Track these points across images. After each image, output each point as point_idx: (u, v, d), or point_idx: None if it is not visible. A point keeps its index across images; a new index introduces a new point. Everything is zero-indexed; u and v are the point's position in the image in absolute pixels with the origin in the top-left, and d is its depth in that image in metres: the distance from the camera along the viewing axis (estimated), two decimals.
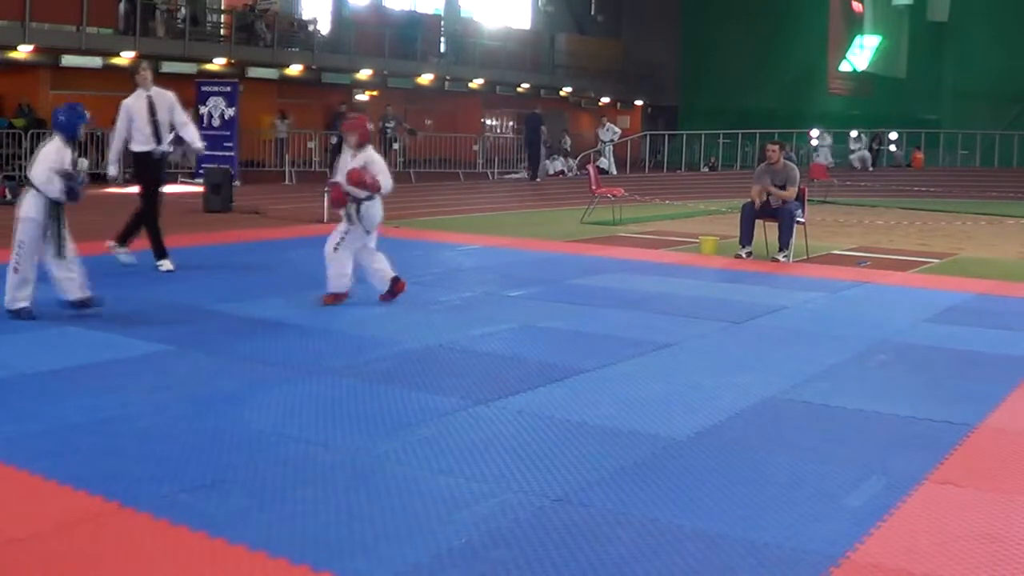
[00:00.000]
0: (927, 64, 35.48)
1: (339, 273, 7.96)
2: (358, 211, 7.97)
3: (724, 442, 4.81)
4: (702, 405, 5.41)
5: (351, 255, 8.01)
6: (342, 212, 8.05)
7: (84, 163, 8.82)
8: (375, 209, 8.04)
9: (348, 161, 8.02)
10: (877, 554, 3.57)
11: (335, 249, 7.94)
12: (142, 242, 9.43)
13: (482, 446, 4.64)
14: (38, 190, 7.00)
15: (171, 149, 9.55)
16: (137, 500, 3.80)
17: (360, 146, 8.04)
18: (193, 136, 9.55)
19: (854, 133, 30.93)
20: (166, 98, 9.34)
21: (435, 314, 7.86)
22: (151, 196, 9.37)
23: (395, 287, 8.14)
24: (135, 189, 9.61)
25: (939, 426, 5.18)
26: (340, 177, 7.96)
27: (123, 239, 9.43)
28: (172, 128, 9.34)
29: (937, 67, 35.23)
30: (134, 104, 9.22)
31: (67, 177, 7.03)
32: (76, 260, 7.11)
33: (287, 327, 7.13)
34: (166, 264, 9.28)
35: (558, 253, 12.05)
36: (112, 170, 9.65)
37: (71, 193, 7.07)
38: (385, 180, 7.93)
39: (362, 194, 7.92)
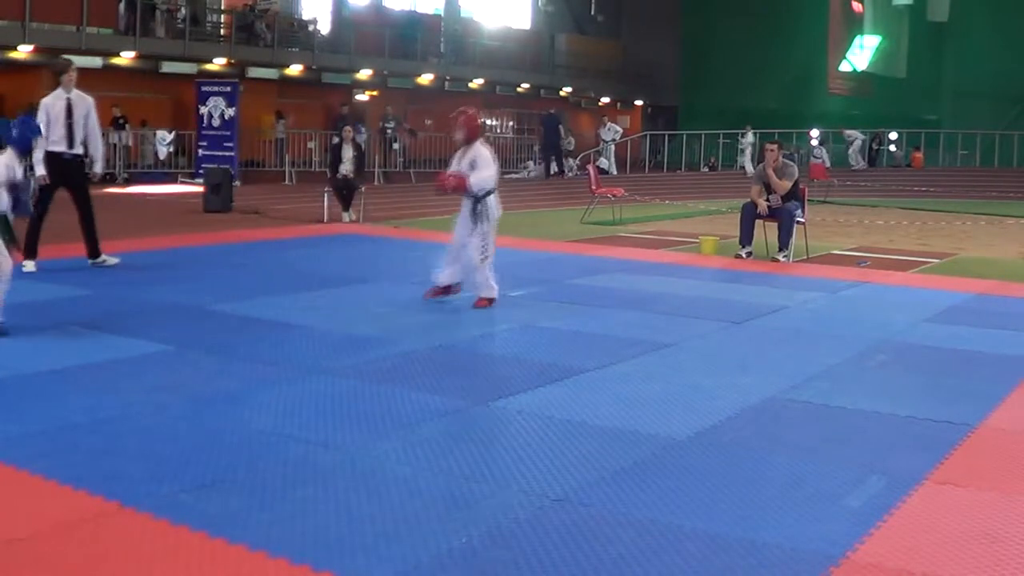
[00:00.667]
0: (927, 64, 35.46)
1: (487, 278, 8.04)
2: (478, 207, 8.01)
3: (724, 442, 4.81)
4: (702, 405, 5.41)
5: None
6: (469, 213, 8.06)
7: (39, 171, 8.80)
8: (494, 202, 8.08)
9: (456, 158, 8.10)
10: (877, 554, 3.57)
11: (483, 260, 7.96)
12: (129, 243, 9.36)
13: (482, 446, 4.64)
14: None
15: (81, 151, 9.35)
16: (137, 500, 3.80)
17: (468, 142, 8.05)
18: (96, 148, 9.39)
19: (857, 135, 30.93)
20: (85, 102, 9.30)
21: (435, 314, 7.86)
22: (78, 198, 9.29)
23: (453, 289, 8.24)
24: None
25: (939, 426, 5.18)
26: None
27: (92, 251, 9.34)
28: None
29: (937, 67, 35.21)
30: (52, 104, 9.16)
31: (14, 188, 6.97)
32: (7, 278, 6.65)
33: (287, 327, 7.13)
34: (29, 265, 8.87)
35: (558, 253, 12.05)
36: (39, 170, 9.18)
37: (18, 204, 7.01)
38: (488, 173, 7.92)
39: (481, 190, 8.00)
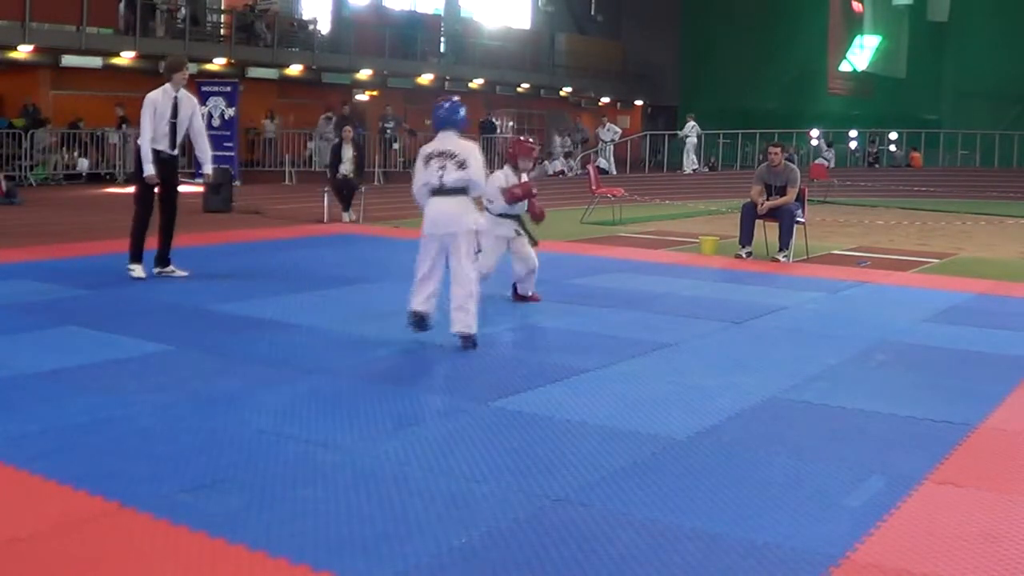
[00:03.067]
0: (927, 64, 35.45)
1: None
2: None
3: (724, 442, 4.81)
4: (702, 405, 5.41)
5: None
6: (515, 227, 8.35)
7: (147, 171, 8.75)
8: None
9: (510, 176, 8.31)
10: (877, 554, 3.57)
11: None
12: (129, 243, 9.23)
13: (482, 446, 4.64)
14: None
15: (178, 153, 9.22)
16: (137, 500, 3.80)
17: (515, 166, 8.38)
18: (204, 150, 9.26)
19: (853, 132, 30.98)
20: (191, 102, 9.08)
21: (435, 314, 7.84)
22: (167, 200, 9.23)
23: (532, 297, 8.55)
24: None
25: (939, 426, 5.18)
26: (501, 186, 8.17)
27: (162, 258, 9.14)
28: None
29: (937, 67, 35.21)
30: (160, 100, 8.88)
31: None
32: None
33: (287, 327, 7.13)
34: (137, 271, 8.93)
35: (558, 253, 12.05)
36: (148, 169, 8.97)
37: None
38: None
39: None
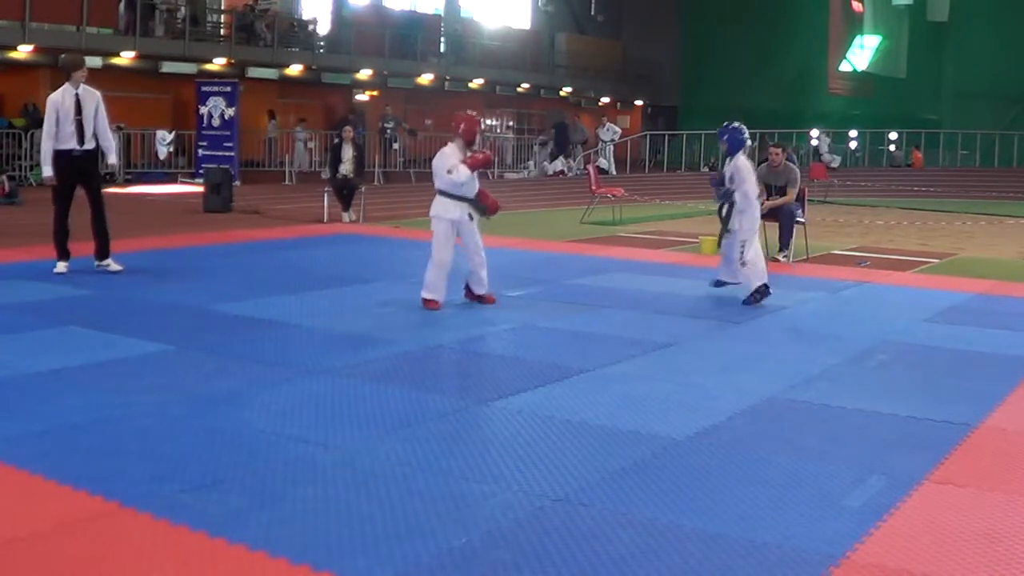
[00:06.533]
0: (927, 64, 35.45)
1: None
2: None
3: (724, 442, 4.81)
4: (702, 405, 5.41)
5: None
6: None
7: (46, 172, 8.88)
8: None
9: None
10: (877, 554, 3.57)
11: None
12: (129, 243, 9.35)
13: (482, 446, 4.64)
14: None
15: (93, 147, 9.23)
16: (137, 500, 3.80)
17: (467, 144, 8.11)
18: (108, 141, 9.34)
19: (853, 132, 30.98)
20: (94, 97, 9.16)
21: (435, 314, 7.86)
22: (91, 195, 9.25)
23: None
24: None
25: (939, 426, 5.18)
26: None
27: (101, 252, 9.26)
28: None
29: (937, 67, 35.21)
30: (60, 100, 9.02)
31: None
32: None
33: (287, 327, 7.13)
34: (60, 267, 9.07)
35: (558, 253, 12.05)
36: (46, 171, 9.16)
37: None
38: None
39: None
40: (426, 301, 7.95)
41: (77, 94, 9.03)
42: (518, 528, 3.69)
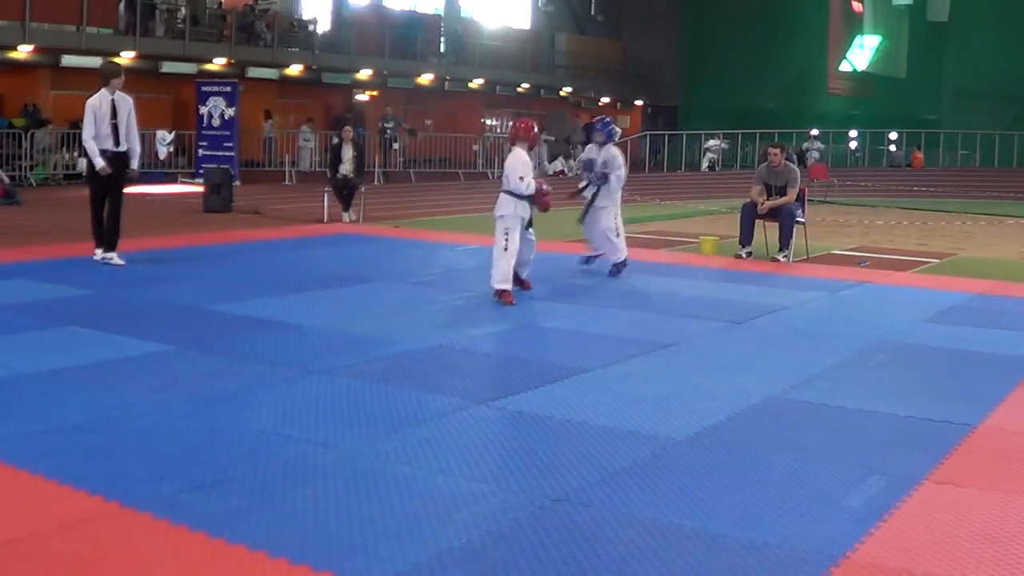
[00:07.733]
0: (927, 64, 35.47)
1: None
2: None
3: (724, 442, 4.81)
4: (702, 405, 5.41)
5: None
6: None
7: (98, 164, 9.31)
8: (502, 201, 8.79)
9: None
10: (877, 554, 3.57)
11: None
12: (129, 243, 9.39)
13: (482, 446, 4.64)
14: None
15: (125, 148, 9.77)
16: (137, 500, 3.80)
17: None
18: (135, 145, 9.88)
19: (853, 132, 31.00)
20: (127, 103, 9.77)
21: (435, 314, 7.86)
22: (114, 192, 9.80)
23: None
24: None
25: (939, 426, 5.18)
26: None
27: (110, 244, 9.59)
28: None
29: (937, 67, 35.23)
30: (97, 104, 9.63)
31: None
32: None
33: (287, 327, 7.13)
34: (99, 253, 9.63)
35: (558, 253, 12.04)
36: (98, 162, 9.75)
37: None
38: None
39: None
40: (503, 292, 8.43)
41: (113, 99, 9.67)
42: (518, 528, 3.69)
